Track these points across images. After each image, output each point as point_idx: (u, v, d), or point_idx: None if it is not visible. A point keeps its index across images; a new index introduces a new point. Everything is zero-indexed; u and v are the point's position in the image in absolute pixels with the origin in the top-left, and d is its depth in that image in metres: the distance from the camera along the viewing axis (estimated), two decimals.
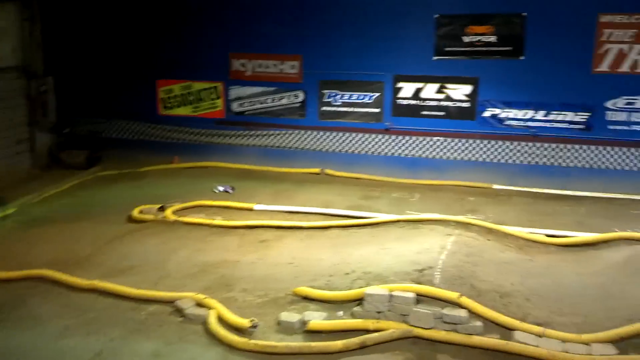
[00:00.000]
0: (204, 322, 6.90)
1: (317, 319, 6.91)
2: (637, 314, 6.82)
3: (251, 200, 11.38)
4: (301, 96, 14.09)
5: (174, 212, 10.61)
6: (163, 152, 14.65)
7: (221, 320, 6.91)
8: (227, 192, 12.12)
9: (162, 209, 10.64)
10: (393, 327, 6.75)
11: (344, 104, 13.83)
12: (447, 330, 6.75)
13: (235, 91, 14.56)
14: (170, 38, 14.59)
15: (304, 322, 6.85)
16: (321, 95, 13.94)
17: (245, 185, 12.62)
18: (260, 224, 9.97)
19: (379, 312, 6.95)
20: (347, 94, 13.76)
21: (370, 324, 6.79)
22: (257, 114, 14.50)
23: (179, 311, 7.17)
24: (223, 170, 13.97)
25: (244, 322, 6.78)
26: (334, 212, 10.65)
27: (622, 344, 6.53)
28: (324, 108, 13.98)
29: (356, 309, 7.08)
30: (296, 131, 14.20)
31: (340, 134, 13.91)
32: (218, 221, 10.19)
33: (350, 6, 13.26)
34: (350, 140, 13.86)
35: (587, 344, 6.53)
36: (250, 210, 10.95)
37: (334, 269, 8.19)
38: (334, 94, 13.83)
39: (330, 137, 13.98)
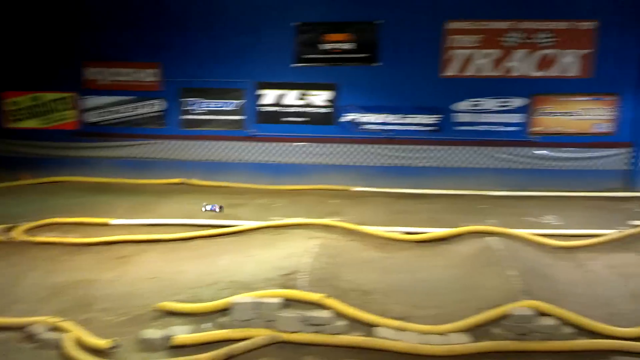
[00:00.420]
0: (60, 347, 6.47)
1: (181, 333, 6.72)
2: (488, 302, 7.26)
3: (109, 214, 10.86)
4: (161, 105, 13.71)
5: (24, 232, 9.85)
6: (10, 168, 13.61)
7: (79, 343, 6.51)
8: (214, 211, 11.33)
9: (9, 229, 9.84)
10: (259, 335, 6.71)
11: (206, 112, 13.64)
12: (313, 332, 6.83)
13: (90, 101, 13.89)
14: (16, 47, 13.63)
15: (168, 338, 6.62)
16: (182, 104, 13.64)
17: (102, 199, 12.03)
18: (118, 239, 9.52)
19: (245, 321, 6.88)
20: (208, 102, 13.57)
21: (236, 333, 6.71)
22: (115, 124, 13.94)
23: (32, 337, 6.67)
24: (78, 184, 13.26)
25: (103, 343, 6.45)
26: (197, 222, 10.42)
27: (476, 331, 6.96)
28: (186, 116, 13.71)
29: (222, 319, 6.96)
30: (156, 141, 13.81)
31: (203, 143, 13.69)
32: (72, 239, 9.59)
33: (210, 13, 13.11)
34: (214, 149, 13.68)
35: (444, 334, 6.89)
36: (108, 225, 10.43)
37: (199, 281, 8.01)
38: (195, 102, 13.60)
39: (193, 146, 13.72)
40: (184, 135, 13.74)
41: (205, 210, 11.28)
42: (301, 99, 13.38)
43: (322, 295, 7.12)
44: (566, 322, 7.00)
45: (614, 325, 7.06)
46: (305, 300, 7.10)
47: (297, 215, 10.49)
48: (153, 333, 6.68)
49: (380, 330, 6.88)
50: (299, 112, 13.42)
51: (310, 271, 7.84)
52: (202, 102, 13.60)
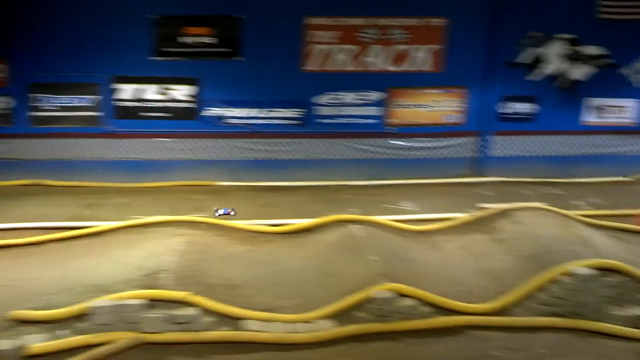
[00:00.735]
0: None
1: (36, 342, 6.37)
2: (351, 288, 7.54)
3: None
4: (7, 102, 12.75)
5: None
6: None
7: None
8: (228, 214, 10.94)
9: None
10: (121, 338, 6.52)
11: (59, 109, 12.87)
12: (179, 331, 6.75)
13: None
14: None
15: (21, 348, 6.25)
16: (31, 100, 12.76)
17: None
18: None
19: (106, 325, 6.67)
20: (61, 98, 12.81)
21: (96, 338, 6.48)
22: None
23: None
24: None
25: None
26: (51, 225, 9.86)
27: (341, 316, 7.20)
28: (36, 113, 12.84)
29: (81, 325, 6.69)
30: (4, 140, 12.80)
31: (56, 141, 12.91)
32: None
33: (60, 4, 12.33)
34: (68, 147, 12.94)
35: (309, 321, 7.06)
36: None
37: (55, 286, 7.61)
38: (46, 98, 12.77)
39: (45, 144, 12.89)
40: (35, 134, 12.85)
41: (219, 215, 10.87)
42: (162, 93, 13.01)
43: (187, 292, 7.03)
44: (424, 302, 7.43)
45: (467, 302, 7.62)
46: (170, 299, 6.97)
47: (160, 213, 10.25)
48: (4, 344, 6.30)
49: (247, 323, 6.94)
50: (159, 107, 13.04)
51: (174, 269, 7.70)
52: (53, 98, 12.81)
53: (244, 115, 13.19)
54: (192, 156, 13.15)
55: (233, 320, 6.98)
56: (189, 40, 12.79)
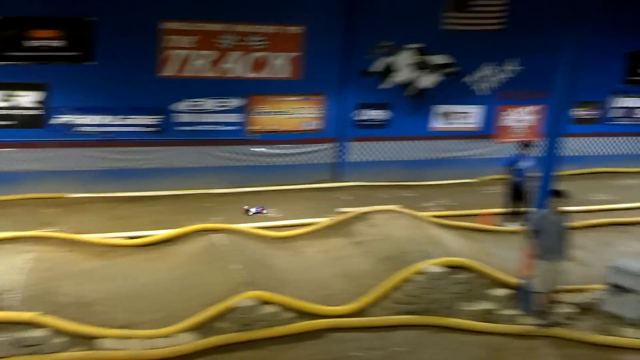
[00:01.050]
0: None
1: None
2: (214, 298, 7.50)
3: None
4: None
5: None
6: None
7: None
8: (260, 212, 11.57)
9: None
10: None
11: None
12: (27, 354, 6.37)
13: None
14: None
15: None
16: None
17: None
18: None
19: None
20: None
21: None
22: None
23: None
24: None
25: None
26: None
27: (203, 328, 7.12)
28: None
29: None
30: None
31: None
32: None
33: None
34: None
35: (170, 336, 6.92)
36: None
37: None
38: None
39: None
40: None
41: (252, 214, 11.42)
42: (5, 100, 12.11)
43: (35, 313, 6.63)
44: (286, 308, 7.55)
45: (329, 305, 7.84)
46: (17, 321, 6.56)
47: (4, 229, 9.48)
48: None
49: (103, 342, 6.67)
50: (2, 114, 12.10)
51: (21, 288, 7.28)
52: None
53: (96, 123, 12.59)
54: (39, 167, 12.25)
55: (87, 340, 6.68)
56: (35, 43, 12.00)
